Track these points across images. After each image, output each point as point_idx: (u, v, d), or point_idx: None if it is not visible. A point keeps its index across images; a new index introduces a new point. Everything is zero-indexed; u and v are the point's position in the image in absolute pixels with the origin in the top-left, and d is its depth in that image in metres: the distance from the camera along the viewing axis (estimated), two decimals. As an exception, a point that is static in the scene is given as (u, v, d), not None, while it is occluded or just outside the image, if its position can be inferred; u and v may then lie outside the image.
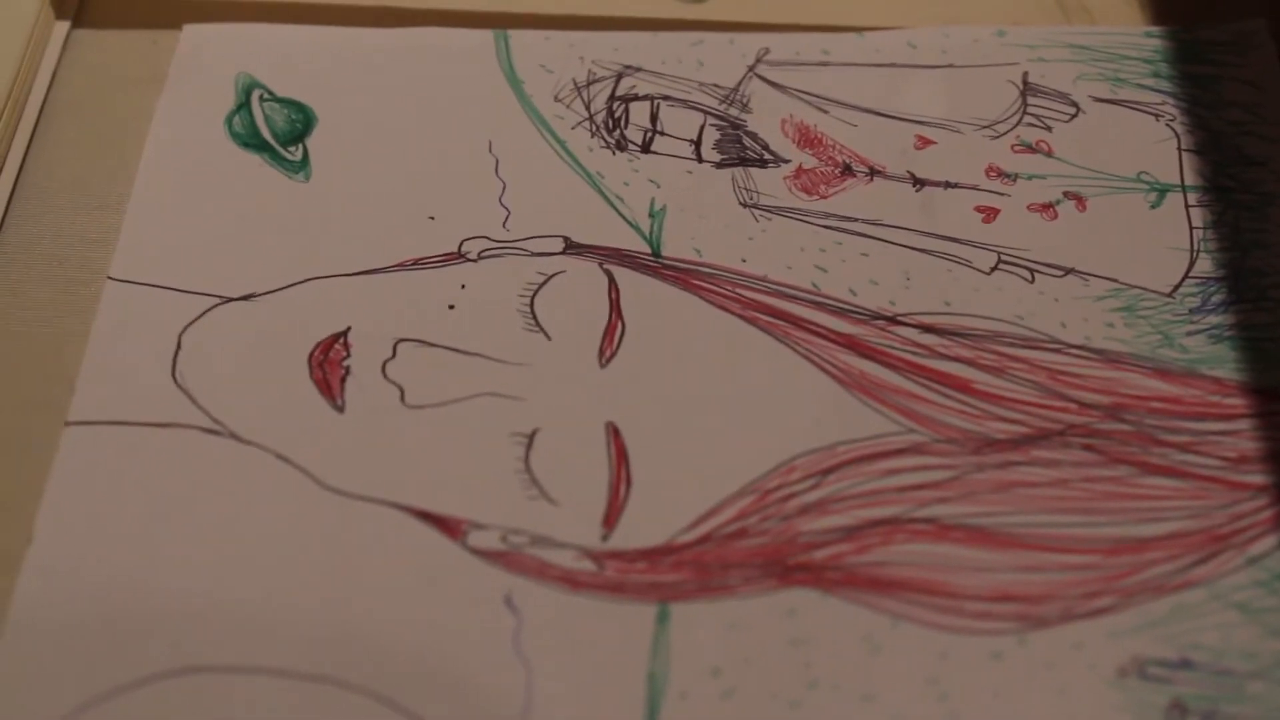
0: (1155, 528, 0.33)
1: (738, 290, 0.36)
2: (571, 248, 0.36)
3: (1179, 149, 0.39)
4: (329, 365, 0.34)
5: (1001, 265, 0.36)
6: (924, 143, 0.38)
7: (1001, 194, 0.38)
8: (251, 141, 0.39)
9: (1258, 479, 0.33)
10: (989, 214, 0.37)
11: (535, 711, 0.30)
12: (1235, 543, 0.32)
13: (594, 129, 0.39)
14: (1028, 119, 0.39)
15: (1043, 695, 0.30)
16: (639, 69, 0.39)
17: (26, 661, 0.30)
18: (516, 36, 0.40)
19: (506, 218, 0.37)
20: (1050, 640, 0.31)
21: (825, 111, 0.39)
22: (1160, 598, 0.32)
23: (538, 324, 0.35)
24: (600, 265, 0.36)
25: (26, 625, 0.31)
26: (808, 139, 0.38)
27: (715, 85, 0.40)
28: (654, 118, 0.39)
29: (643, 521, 0.32)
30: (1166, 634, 0.31)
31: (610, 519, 0.32)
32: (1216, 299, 0.36)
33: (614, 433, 0.33)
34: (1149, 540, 0.32)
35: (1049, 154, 0.38)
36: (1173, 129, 0.39)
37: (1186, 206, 0.38)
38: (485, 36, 0.40)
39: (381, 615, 0.31)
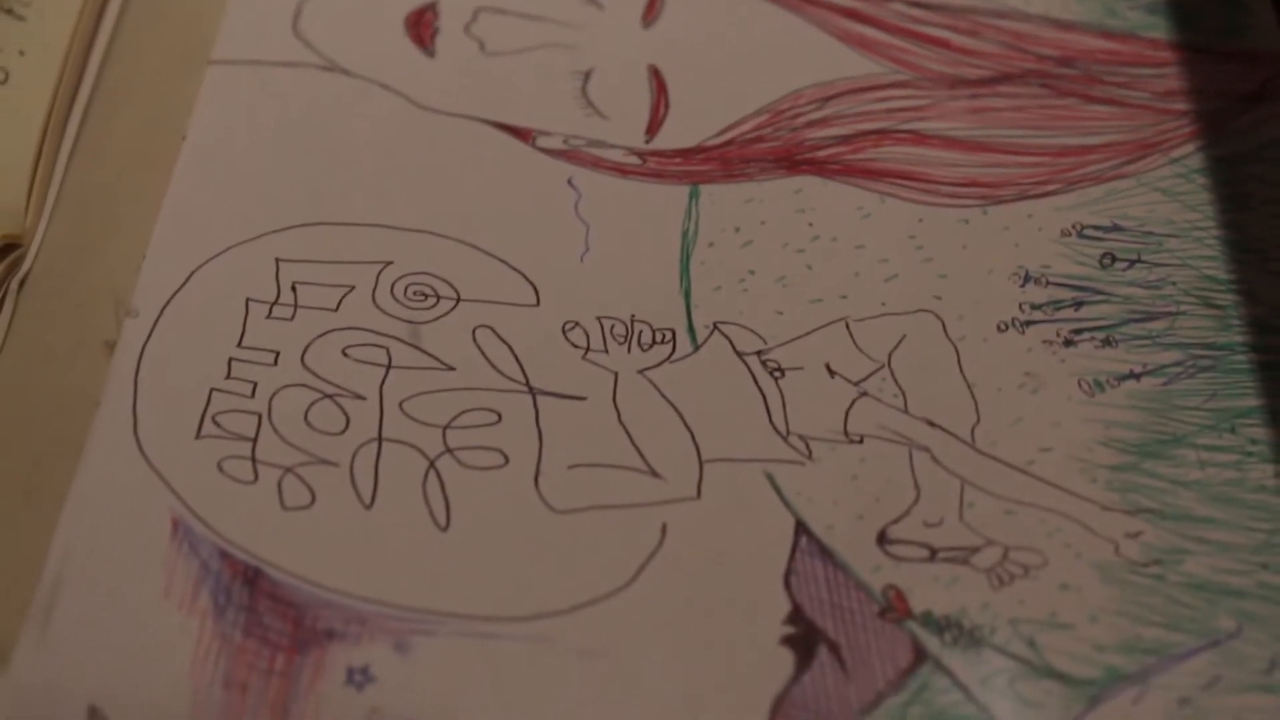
0: (1095, 138, 0.40)
1: (758, -22, 0.43)
2: (620, -52, 0.44)
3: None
4: (421, 25, 0.42)
5: (976, -37, 0.44)
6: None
7: (977, -88, 0.45)
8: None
9: (1180, 106, 0.41)
10: (966, -74, 0.45)
11: (594, 252, 0.38)
12: (1161, 148, 0.40)
13: None
14: None
15: (1000, 246, 0.38)
16: None
17: (184, 217, 0.38)
18: None
19: (565, -72, 0.45)
20: (1007, 211, 0.39)
21: None
22: (1097, 185, 0.39)
23: (592, -1, 0.43)
24: (644, -41, 0.44)
25: (184, 197, 0.38)
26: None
27: None
28: None
29: (678, 130, 0.40)
30: (1102, 208, 0.39)
31: (652, 128, 0.40)
32: (1153, -15, 0.43)
33: (655, 72, 0.41)
34: (1090, 147, 0.40)
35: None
36: None
37: (1132, -76, 0.45)
38: None
39: (467, 196, 0.39)
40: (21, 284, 0.37)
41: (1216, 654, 0.32)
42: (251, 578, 0.32)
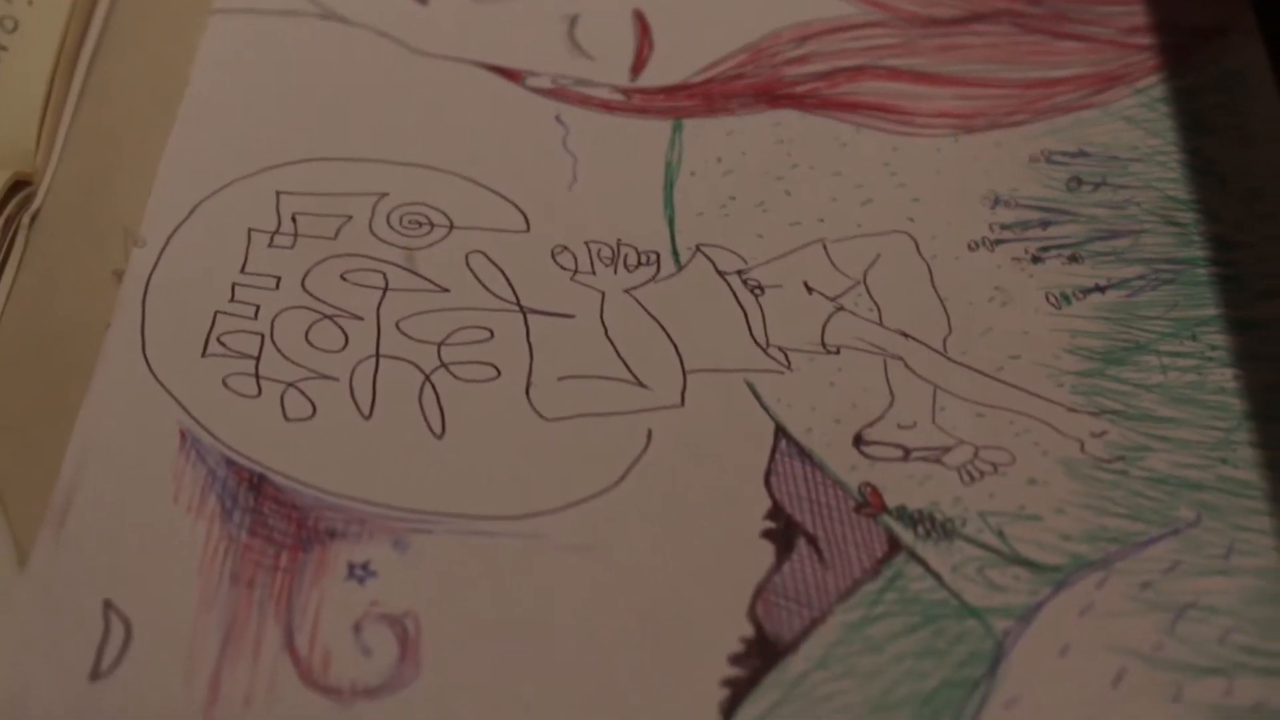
0: (1063, 71, 0.42)
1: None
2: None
3: None
4: (414, -23, 0.44)
5: (948, -89, 0.46)
6: None
7: None
8: None
9: (1144, 41, 0.42)
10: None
11: (581, 182, 0.39)
12: (1125, 80, 0.42)
13: None
14: None
15: (971, 171, 0.39)
16: None
17: (188, 155, 0.39)
18: None
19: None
20: (978, 140, 0.40)
21: None
22: (1064, 115, 0.41)
23: (577, -51, 0.44)
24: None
25: (188, 136, 0.40)
26: None
27: None
28: None
29: (662, 70, 0.42)
30: (1068, 136, 0.40)
31: (637, 68, 0.42)
32: (1119, -70, 0.45)
33: (639, 15, 0.43)
34: (1058, 79, 0.42)
35: None
36: None
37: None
38: None
39: (460, 133, 0.40)
40: (33, 219, 0.38)
41: (1177, 541, 0.33)
42: (256, 483, 0.34)
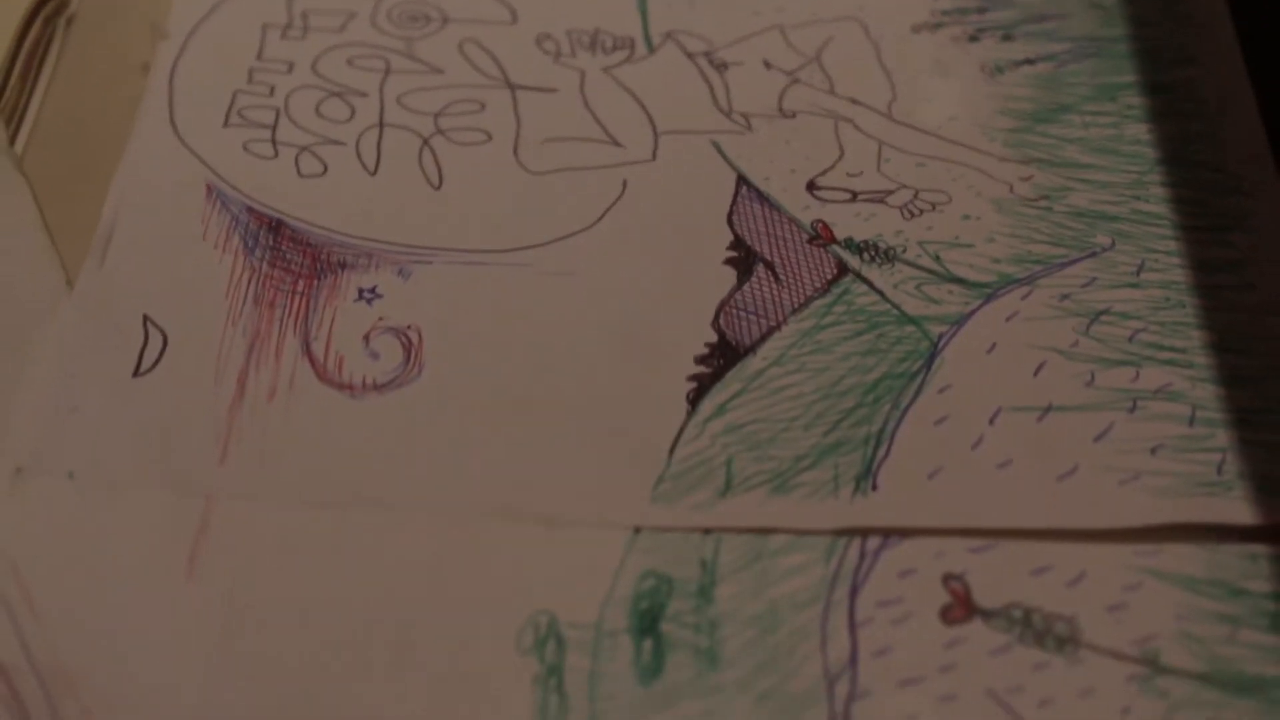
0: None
1: None
2: None
3: None
4: None
5: None
6: None
7: None
8: None
9: None
10: None
11: (561, -18, 0.43)
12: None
13: None
14: None
15: (914, -33, 0.44)
16: None
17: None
18: None
19: None
20: (922, -57, 0.44)
21: None
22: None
23: None
24: None
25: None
26: None
27: None
28: None
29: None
30: (1004, -62, 0.45)
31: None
32: None
33: None
34: (996, -108, 0.46)
35: None
36: None
37: None
38: None
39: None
40: (69, 22, 0.43)
41: (1094, 262, 0.37)
42: (275, 226, 0.38)
